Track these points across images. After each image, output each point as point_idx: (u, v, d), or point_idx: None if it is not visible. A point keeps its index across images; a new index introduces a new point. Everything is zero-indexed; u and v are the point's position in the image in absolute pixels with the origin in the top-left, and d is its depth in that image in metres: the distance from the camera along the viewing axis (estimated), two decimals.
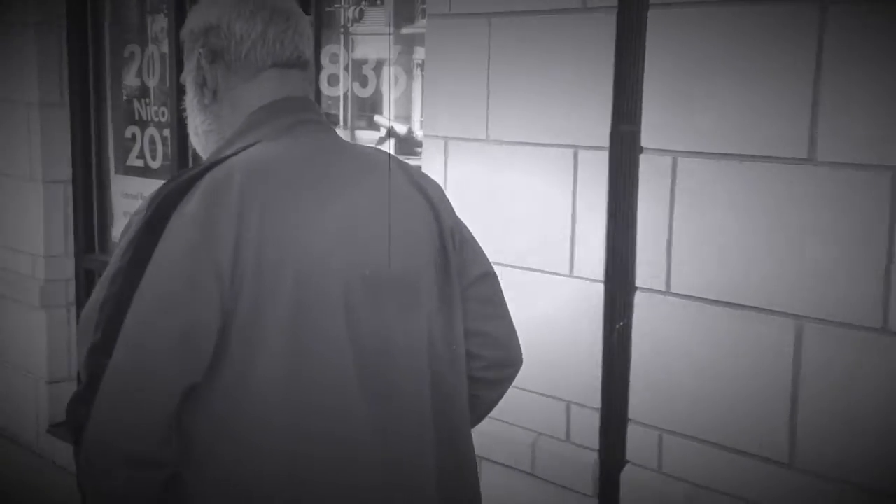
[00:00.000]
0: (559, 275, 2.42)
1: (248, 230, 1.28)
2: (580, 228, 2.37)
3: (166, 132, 3.91)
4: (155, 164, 4.03)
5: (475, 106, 2.54)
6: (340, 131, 3.23)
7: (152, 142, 4.02)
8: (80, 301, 4.41)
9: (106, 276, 1.35)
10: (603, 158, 2.32)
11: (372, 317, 1.36)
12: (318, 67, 3.24)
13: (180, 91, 3.75)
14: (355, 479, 1.33)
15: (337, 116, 3.25)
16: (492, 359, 1.55)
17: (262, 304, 1.28)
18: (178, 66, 3.74)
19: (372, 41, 3.19)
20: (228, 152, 1.39)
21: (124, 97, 4.13)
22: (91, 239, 4.35)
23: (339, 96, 3.27)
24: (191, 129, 1.53)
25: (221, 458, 1.30)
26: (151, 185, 4.09)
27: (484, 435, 1.91)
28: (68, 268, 4.36)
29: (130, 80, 4.07)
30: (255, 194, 1.30)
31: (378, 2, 3.26)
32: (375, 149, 1.59)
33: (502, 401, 1.63)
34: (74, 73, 4.16)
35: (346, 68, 3.24)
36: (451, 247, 1.48)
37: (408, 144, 3.14)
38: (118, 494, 1.29)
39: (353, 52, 3.23)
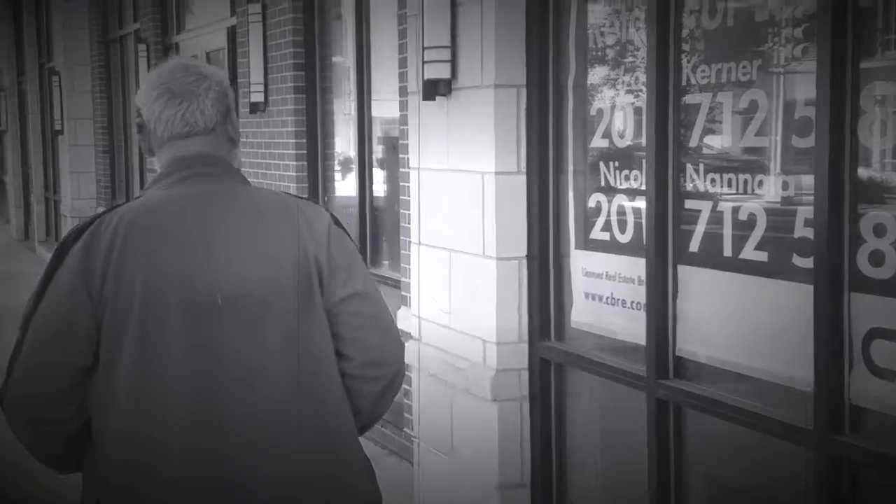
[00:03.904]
0: None
1: (113, 257, 1.82)
2: None
3: (639, 201, 3.31)
4: (624, 238, 3.44)
5: None
6: None
7: (621, 212, 3.44)
8: (535, 393, 3.92)
9: (31, 295, 1.87)
10: None
11: (211, 326, 1.82)
12: None
13: (659, 153, 3.17)
14: (167, 458, 1.82)
15: None
16: (361, 359, 1.93)
17: (121, 311, 1.81)
18: (659, 120, 3.14)
19: None
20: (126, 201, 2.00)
21: (589, 161, 3.60)
22: (547, 323, 3.85)
23: None
24: None
25: (96, 420, 1.87)
26: (619, 263, 3.56)
27: None
28: (522, 356, 3.89)
29: (597, 141, 3.54)
30: (123, 231, 1.83)
31: None
32: (265, 190, 2.04)
33: None
34: (533, 139, 3.72)
35: None
36: (315, 273, 1.87)
37: None
38: (28, 443, 1.91)
39: None
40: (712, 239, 3.05)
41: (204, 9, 8.35)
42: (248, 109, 6.77)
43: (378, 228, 5.84)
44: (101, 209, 1.85)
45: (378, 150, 5.80)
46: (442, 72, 3.90)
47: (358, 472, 1.95)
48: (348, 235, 1.99)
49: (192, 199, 1.89)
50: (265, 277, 1.85)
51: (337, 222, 1.96)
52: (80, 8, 11.65)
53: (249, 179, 6.61)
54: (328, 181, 6.32)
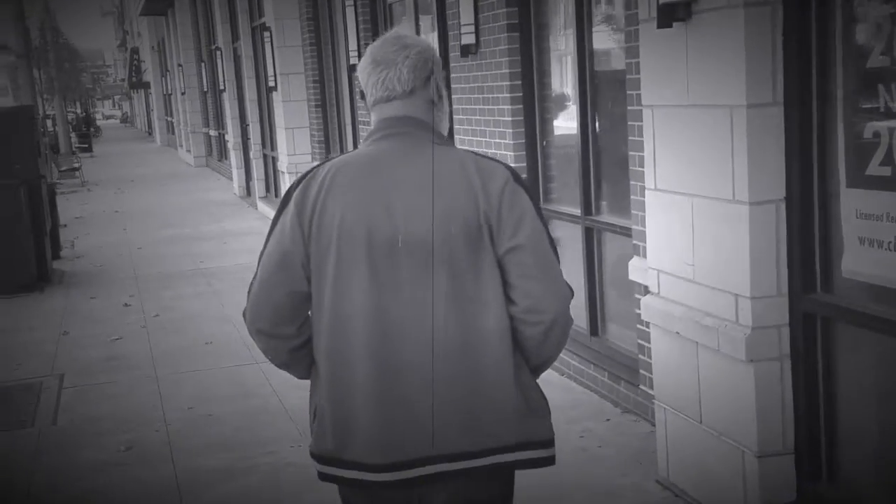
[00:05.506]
0: None
1: (319, 201, 2.20)
2: None
3: None
4: None
5: None
6: None
7: None
8: (798, 351, 3.47)
9: (267, 233, 2.32)
10: None
11: (391, 266, 2.16)
12: None
13: None
14: (357, 368, 2.21)
15: None
16: (522, 305, 2.18)
17: (323, 249, 2.19)
18: None
19: None
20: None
21: (864, 85, 3.08)
22: (811, 273, 3.39)
23: None
24: None
25: (314, 338, 2.29)
26: None
27: None
28: (781, 311, 3.44)
29: (874, 60, 3.01)
30: (330, 179, 2.21)
31: None
32: (450, 149, 2.26)
33: None
34: (792, 63, 3.23)
35: None
36: (486, 226, 2.15)
37: None
38: (261, 349, 2.36)
39: None
40: None
41: None
42: (458, 53, 6.50)
43: (601, 172, 5.45)
44: (316, 163, 2.17)
45: (600, 87, 5.39)
46: None
47: (508, 406, 2.19)
48: (525, 191, 2.20)
49: (383, 154, 2.22)
50: (438, 227, 2.14)
51: (517, 178, 2.20)
52: None
53: (461, 127, 6.36)
54: (546, 123, 5.97)
